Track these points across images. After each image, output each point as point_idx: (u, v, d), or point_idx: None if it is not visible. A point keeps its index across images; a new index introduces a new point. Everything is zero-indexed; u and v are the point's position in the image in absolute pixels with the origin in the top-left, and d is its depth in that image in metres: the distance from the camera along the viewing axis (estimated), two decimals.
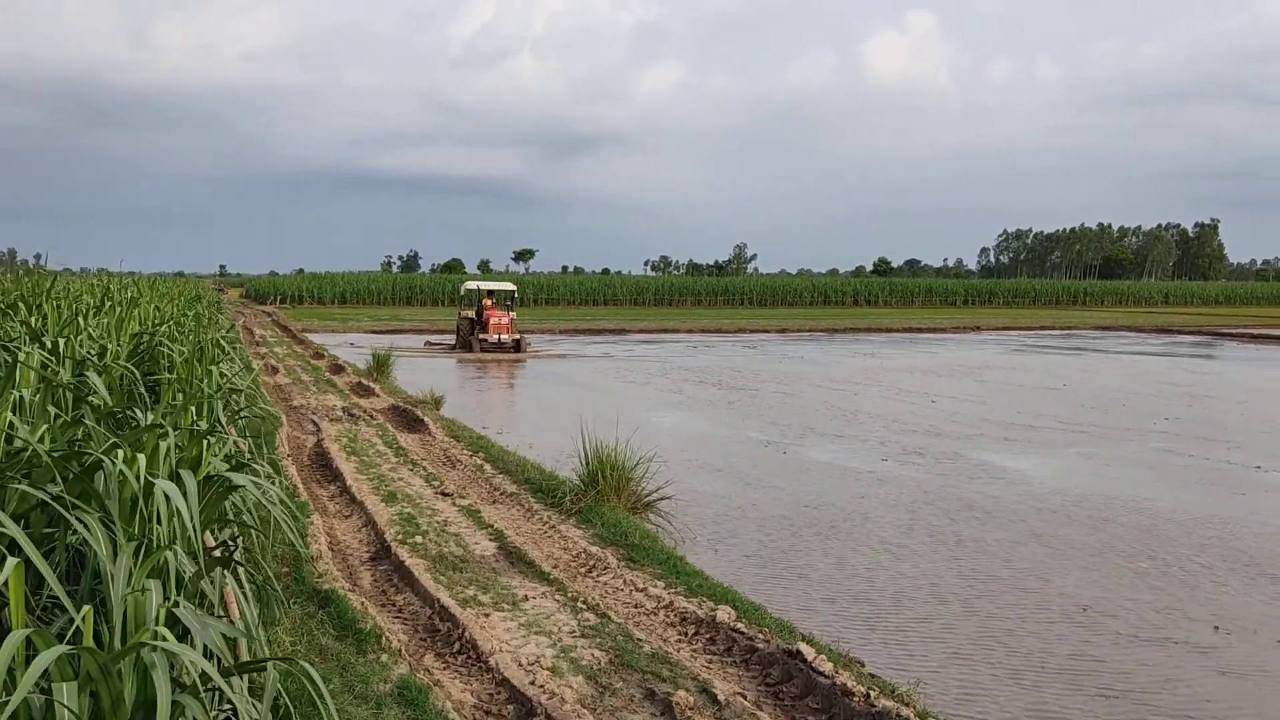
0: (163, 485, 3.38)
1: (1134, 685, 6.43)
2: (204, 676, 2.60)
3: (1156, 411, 19.68)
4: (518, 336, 32.01)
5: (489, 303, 33.20)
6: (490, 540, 8.66)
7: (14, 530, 2.77)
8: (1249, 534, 10.20)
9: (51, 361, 6.15)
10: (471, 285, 35.92)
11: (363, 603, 6.77)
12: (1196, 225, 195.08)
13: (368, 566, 8.05)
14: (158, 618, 2.78)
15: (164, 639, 2.60)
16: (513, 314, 33.02)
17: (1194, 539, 9.97)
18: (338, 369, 23.56)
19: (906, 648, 7.01)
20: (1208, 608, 7.89)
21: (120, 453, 3.65)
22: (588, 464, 9.98)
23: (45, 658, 2.29)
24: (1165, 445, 15.67)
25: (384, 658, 5.90)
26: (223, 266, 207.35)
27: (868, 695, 5.44)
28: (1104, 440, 16.12)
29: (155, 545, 3.37)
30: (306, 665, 2.85)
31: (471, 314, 33.11)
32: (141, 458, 3.63)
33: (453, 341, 34.37)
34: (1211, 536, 10.08)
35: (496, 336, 31.44)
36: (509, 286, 35.80)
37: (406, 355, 28.93)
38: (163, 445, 4.01)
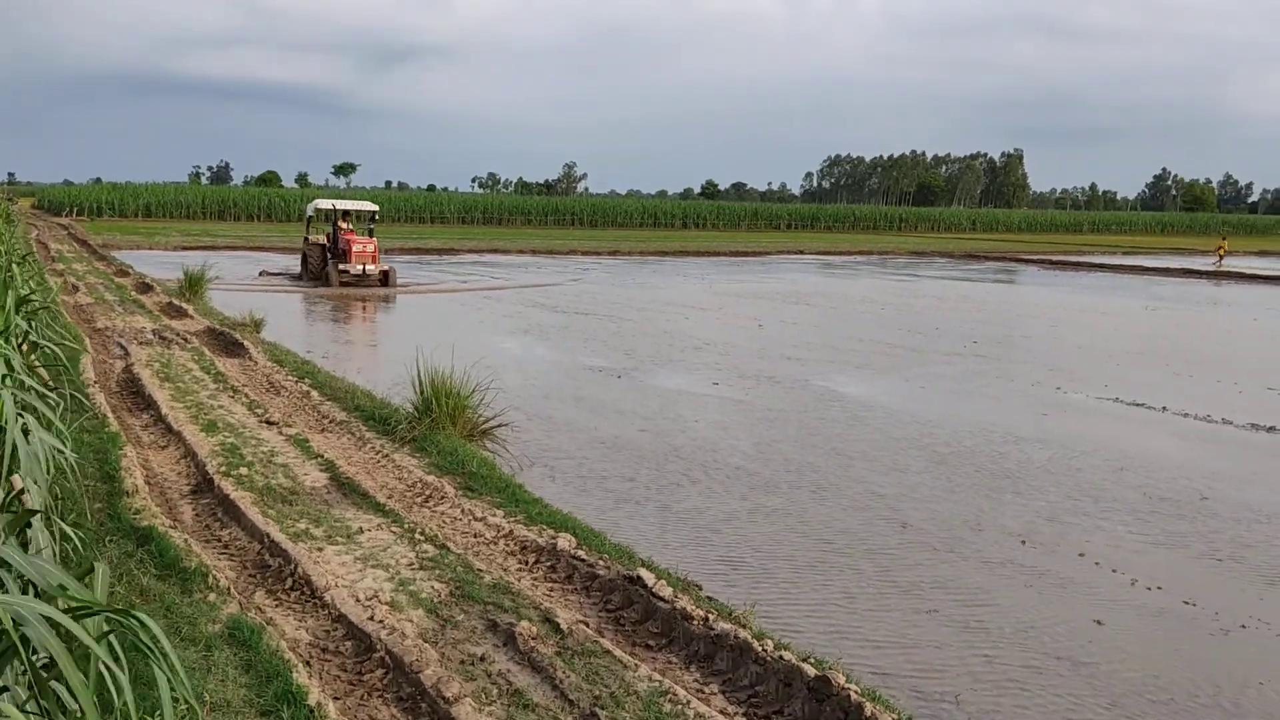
0: None
1: (955, 599, 6.82)
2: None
3: (968, 335, 20.79)
4: (386, 268, 27.07)
5: (346, 226, 27.69)
6: (321, 470, 8.38)
7: None
8: (1058, 452, 10.93)
9: None
10: (324, 204, 29.90)
11: (185, 539, 6.45)
12: (1003, 155, 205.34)
13: (189, 500, 7.67)
14: None
15: None
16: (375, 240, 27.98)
17: (1007, 458, 10.61)
18: (145, 288, 22.19)
19: (742, 570, 7.21)
20: (1018, 523, 8.43)
21: None
22: (421, 391, 9.75)
23: None
24: (977, 368, 16.58)
25: (211, 597, 5.64)
26: (11, 174, 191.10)
27: (706, 619, 5.57)
28: (922, 363, 16.92)
29: None
30: (143, 616, 2.66)
31: (324, 239, 27.99)
32: None
33: (297, 271, 29.19)
34: (1023, 456, 10.75)
35: (360, 267, 26.27)
36: (370, 206, 29.88)
37: (237, 289, 24.51)
38: None
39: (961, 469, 10.09)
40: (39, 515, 3.54)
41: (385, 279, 26.55)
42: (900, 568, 7.34)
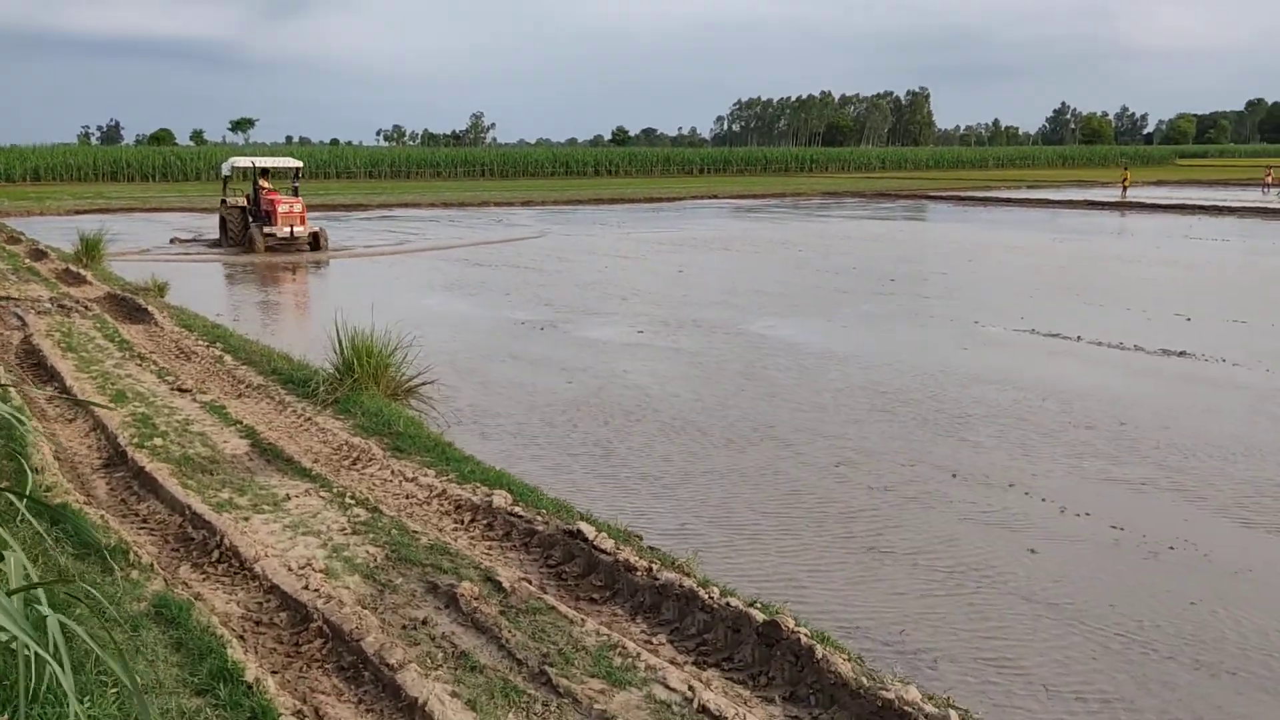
0: None
1: (890, 537, 6.89)
2: None
3: (884, 273, 21.02)
4: (315, 230, 24.84)
5: (266, 185, 25.34)
6: (241, 438, 8.09)
7: None
8: (980, 386, 11.11)
9: None
10: (242, 161, 26.91)
11: (102, 515, 6.15)
12: (909, 94, 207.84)
13: (101, 475, 7.34)
14: None
15: None
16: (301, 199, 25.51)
17: (929, 392, 10.75)
18: (39, 254, 21.23)
19: (680, 518, 7.18)
20: (947, 458, 8.54)
21: None
22: (341, 351, 9.46)
23: None
24: (895, 307, 16.77)
25: (134, 574, 5.39)
26: None
27: (650, 569, 5.51)
28: (843, 303, 17.04)
29: None
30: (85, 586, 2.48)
31: (244, 201, 25.63)
32: None
33: (213, 237, 26.73)
34: (943, 389, 10.90)
35: (288, 229, 24.02)
36: (293, 162, 27.13)
37: (149, 260, 22.20)
38: None
39: (887, 405, 10.19)
40: None
41: (316, 242, 24.51)
42: (834, 507, 7.37)
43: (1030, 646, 5.36)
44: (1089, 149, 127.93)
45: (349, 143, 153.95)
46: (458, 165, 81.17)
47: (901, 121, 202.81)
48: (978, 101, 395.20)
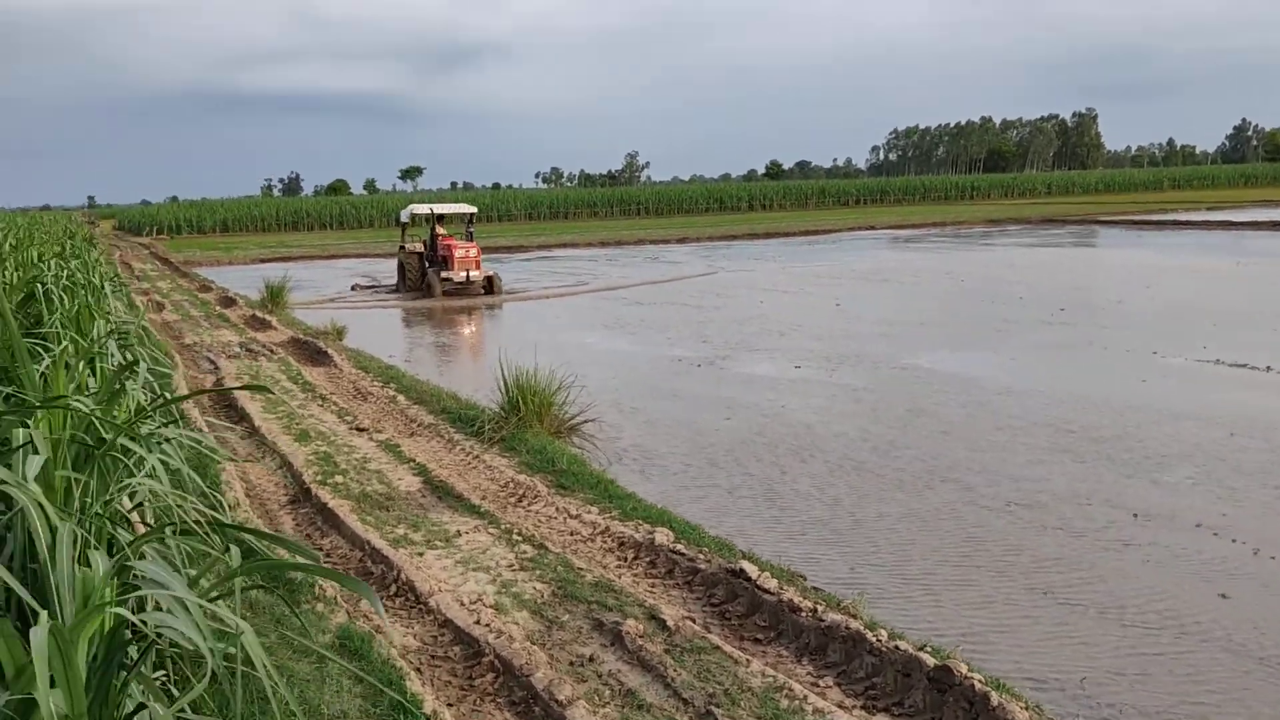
0: None
1: (1069, 579, 6.59)
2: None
3: (1053, 302, 20.23)
4: (489, 273, 25.14)
5: (442, 231, 25.98)
6: (414, 475, 8.43)
7: None
8: (1161, 419, 10.55)
9: None
10: (420, 209, 27.11)
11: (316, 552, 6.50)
12: (1075, 115, 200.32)
13: (288, 511, 7.76)
14: (105, 592, 2.56)
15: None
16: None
17: (1108, 427, 10.27)
18: (229, 302, 22.66)
19: (850, 562, 7.06)
20: (1127, 495, 8.13)
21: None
22: (507, 390, 9.75)
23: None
24: (1067, 337, 16.11)
25: (319, 607, 5.68)
26: (91, 198, 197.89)
27: (815, 610, 5.45)
28: (1010, 334, 16.50)
29: (87, 516, 3.13)
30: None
31: (421, 246, 26.24)
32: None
33: (393, 283, 27.50)
34: (1129, 425, 10.39)
35: (464, 274, 24.42)
36: (467, 208, 27.70)
37: (332, 308, 22.70)
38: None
39: (1069, 444, 9.78)
40: (169, 528, 3.58)
41: (490, 286, 24.89)
42: (1006, 546, 7.11)
43: (1241, 703, 5.02)
44: (1274, 167, 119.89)
45: (509, 186, 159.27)
46: (613, 204, 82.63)
47: (1068, 144, 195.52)
48: (1150, 120, 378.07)
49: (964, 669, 4.55)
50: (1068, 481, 8.56)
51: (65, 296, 7.14)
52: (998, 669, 5.12)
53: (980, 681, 4.47)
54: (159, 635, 2.72)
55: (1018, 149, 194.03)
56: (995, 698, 4.35)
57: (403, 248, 26.88)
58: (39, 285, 7.38)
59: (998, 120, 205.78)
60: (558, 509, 7.52)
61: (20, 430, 3.50)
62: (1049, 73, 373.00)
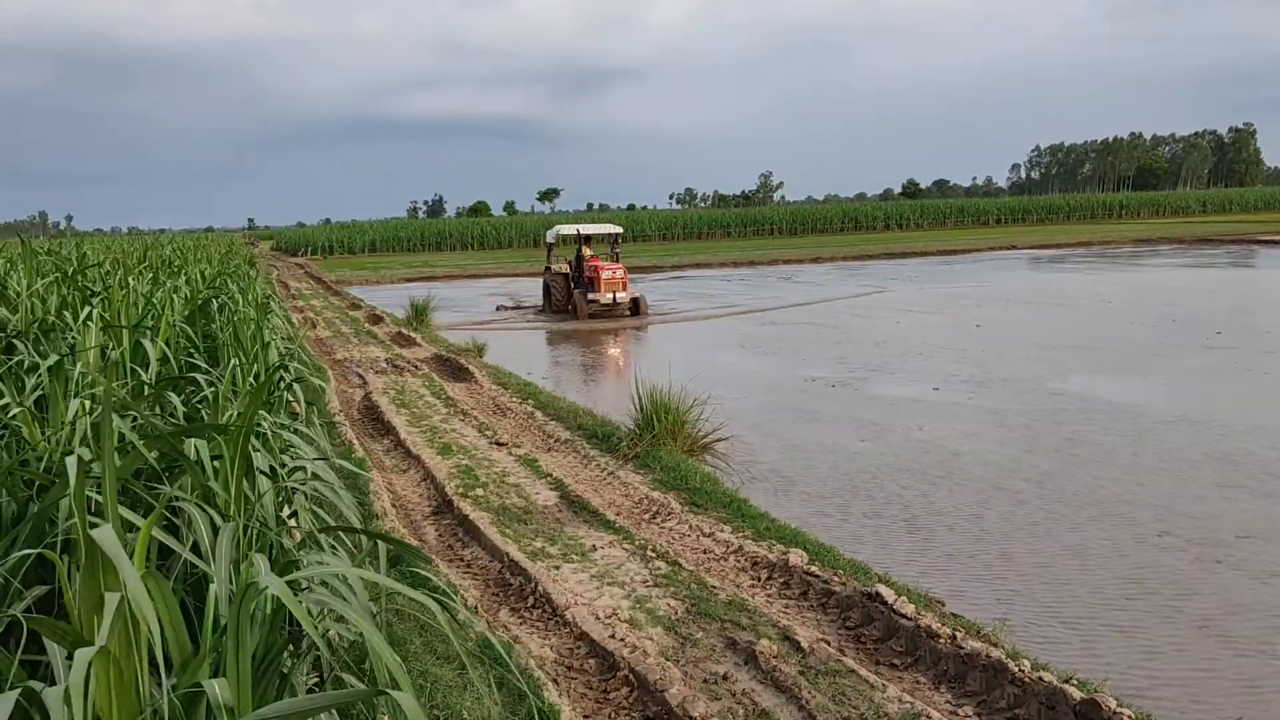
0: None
1: (1227, 615, 6.28)
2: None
3: (1209, 325, 19.28)
4: (635, 295, 24.52)
5: (589, 251, 25.51)
6: (551, 489, 8.61)
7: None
8: None
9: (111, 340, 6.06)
10: (566, 229, 26.53)
11: (432, 560, 6.74)
12: (1231, 130, 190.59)
13: (431, 521, 8.03)
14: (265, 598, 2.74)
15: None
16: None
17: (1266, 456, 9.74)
18: (376, 319, 23.57)
19: (991, 586, 6.89)
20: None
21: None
22: (641, 407, 9.87)
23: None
24: (1225, 362, 15.33)
25: (460, 616, 5.85)
26: (251, 220, 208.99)
27: (954, 637, 5.34)
28: (1162, 359, 15.80)
29: (251, 523, 3.34)
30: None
31: (566, 268, 25.88)
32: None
33: (538, 304, 27.14)
34: None
35: (610, 295, 23.97)
36: (613, 228, 27.12)
37: (478, 329, 22.25)
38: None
39: (1226, 470, 9.31)
40: (324, 532, 3.78)
41: (635, 307, 24.32)
42: (1160, 579, 6.82)
43: None
44: None
45: (644, 207, 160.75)
46: (747, 225, 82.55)
47: (1224, 161, 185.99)
48: None
49: (1113, 704, 4.39)
50: (1227, 513, 8.13)
51: (235, 313, 7.57)
52: (1147, 704, 4.92)
53: (1130, 716, 4.31)
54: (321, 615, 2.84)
55: (1170, 166, 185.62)
56: None
57: (548, 269, 26.66)
58: (214, 301, 7.85)
59: (1148, 136, 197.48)
60: (691, 526, 7.57)
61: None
62: (1203, 87, 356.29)
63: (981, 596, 6.70)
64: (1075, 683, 4.76)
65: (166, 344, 6.16)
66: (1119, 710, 4.34)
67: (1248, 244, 48.36)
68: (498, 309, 28.08)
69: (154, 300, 7.65)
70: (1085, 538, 7.72)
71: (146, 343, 6.08)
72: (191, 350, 6.82)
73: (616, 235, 26.88)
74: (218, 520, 3.13)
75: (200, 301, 7.96)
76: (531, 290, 29.80)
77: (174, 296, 7.53)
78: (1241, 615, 6.26)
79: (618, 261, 25.60)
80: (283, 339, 9.17)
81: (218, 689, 2.34)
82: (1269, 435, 10.58)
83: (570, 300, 24.97)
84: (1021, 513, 8.35)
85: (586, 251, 25.45)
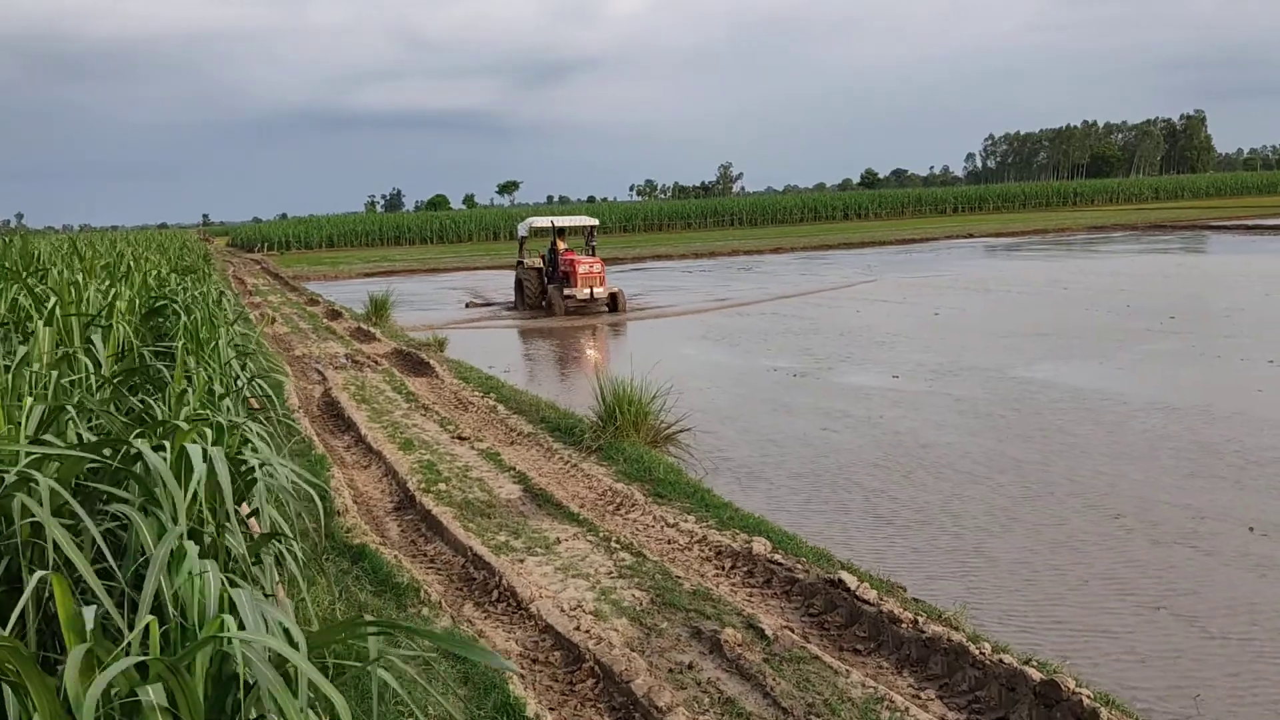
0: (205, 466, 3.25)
1: (1181, 596, 6.40)
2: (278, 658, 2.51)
3: (1163, 311, 19.59)
4: (614, 290, 23.72)
5: (564, 245, 24.57)
6: (514, 483, 8.58)
7: (60, 536, 2.64)
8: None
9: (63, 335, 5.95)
10: (540, 222, 26.10)
11: (395, 555, 6.70)
12: (1183, 118, 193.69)
13: (393, 517, 7.98)
14: (221, 604, 2.68)
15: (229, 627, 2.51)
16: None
17: (1227, 441, 9.93)
18: (335, 315, 23.36)
19: (946, 569, 6.96)
20: (1242, 511, 7.85)
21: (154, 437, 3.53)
22: (604, 399, 9.86)
23: (111, 672, 2.22)
24: (1178, 347, 15.59)
25: (424, 611, 5.84)
26: (205, 215, 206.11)
27: (915, 621, 5.39)
28: (1118, 345, 16.04)
29: (200, 527, 3.28)
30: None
31: (540, 262, 24.97)
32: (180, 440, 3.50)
33: (510, 301, 26.27)
34: (1244, 438, 10.03)
35: (588, 290, 22.97)
36: (589, 220, 26.28)
37: (450, 327, 21.21)
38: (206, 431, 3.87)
39: (1172, 453, 9.47)
40: (278, 538, 3.73)
41: (614, 303, 23.38)
42: (1117, 560, 6.93)
43: None
44: None
45: (605, 199, 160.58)
46: (707, 215, 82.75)
47: (1176, 148, 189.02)
48: (1264, 122, 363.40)
49: (1071, 684, 4.46)
50: (1173, 494, 8.28)
51: (190, 310, 7.46)
52: (1106, 685, 5.00)
53: (1089, 697, 4.38)
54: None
55: (1123, 153, 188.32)
56: (1105, 714, 4.26)
57: (521, 263, 25.51)
58: (169, 301, 7.73)
59: (1101, 124, 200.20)
60: (655, 517, 7.58)
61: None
62: (1154, 74, 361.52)
63: (951, 586, 6.79)
64: (1035, 664, 4.83)
65: (118, 345, 6.07)
66: (1078, 690, 4.40)
67: (1199, 229, 49.21)
68: (468, 305, 27.25)
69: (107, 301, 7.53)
70: (1062, 529, 7.83)
71: (97, 339, 5.99)
72: (142, 353, 6.71)
73: (592, 228, 25.95)
74: (167, 524, 3.07)
75: (151, 306, 7.84)
76: (494, 283, 29.59)
77: (119, 303, 7.38)
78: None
79: (594, 254, 24.70)
80: (238, 333, 9.05)
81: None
82: (1194, 412, 10.77)
83: (545, 296, 24.10)
84: (995, 497, 8.46)
85: (561, 244, 24.53)
